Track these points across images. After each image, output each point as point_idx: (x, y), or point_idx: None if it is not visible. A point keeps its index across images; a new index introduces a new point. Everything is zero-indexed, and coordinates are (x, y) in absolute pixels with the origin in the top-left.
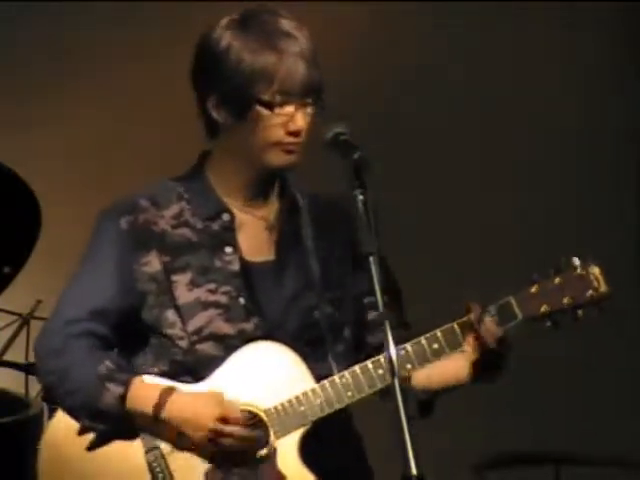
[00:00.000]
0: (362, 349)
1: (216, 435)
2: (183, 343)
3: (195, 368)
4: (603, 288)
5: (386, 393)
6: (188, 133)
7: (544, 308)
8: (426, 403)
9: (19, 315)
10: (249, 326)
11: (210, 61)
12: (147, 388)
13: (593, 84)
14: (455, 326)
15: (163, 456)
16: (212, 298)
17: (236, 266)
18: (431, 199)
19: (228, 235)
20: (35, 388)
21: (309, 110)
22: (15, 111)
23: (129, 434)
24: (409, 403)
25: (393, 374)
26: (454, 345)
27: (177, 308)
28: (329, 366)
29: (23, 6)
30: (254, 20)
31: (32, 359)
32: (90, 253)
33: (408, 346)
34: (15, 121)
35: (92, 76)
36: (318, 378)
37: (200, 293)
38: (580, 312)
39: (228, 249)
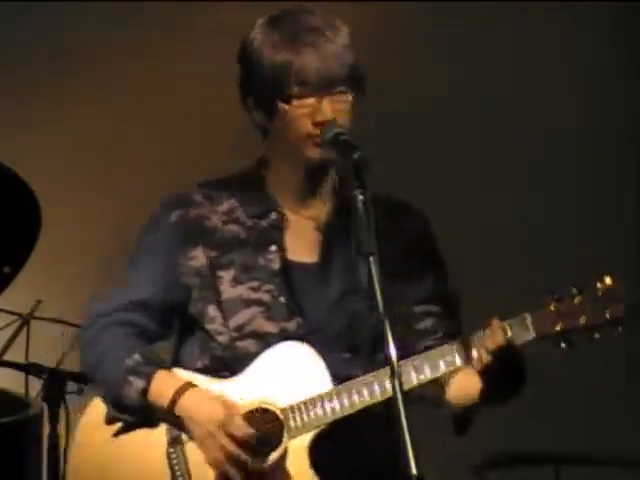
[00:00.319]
0: (408, 357)
1: (212, 439)
2: (222, 339)
3: (234, 364)
4: (621, 310)
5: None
6: (188, 133)
7: (559, 327)
8: (462, 419)
9: (19, 315)
10: (291, 325)
11: (243, 63)
12: (166, 384)
13: (593, 84)
14: (469, 339)
15: (183, 448)
16: (254, 296)
17: (277, 265)
18: (430, 199)
19: (274, 234)
20: (35, 388)
21: (339, 100)
22: (15, 111)
23: (152, 424)
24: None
25: (393, 374)
26: (465, 359)
27: (219, 304)
28: (363, 371)
29: (23, 6)
30: (284, 18)
31: (32, 359)
32: (140, 245)
33: (422, 356)
34: (15, 121)
35: (92, 76)
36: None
37: (243, 290)
38: (597, 334)
39: (272, 247)
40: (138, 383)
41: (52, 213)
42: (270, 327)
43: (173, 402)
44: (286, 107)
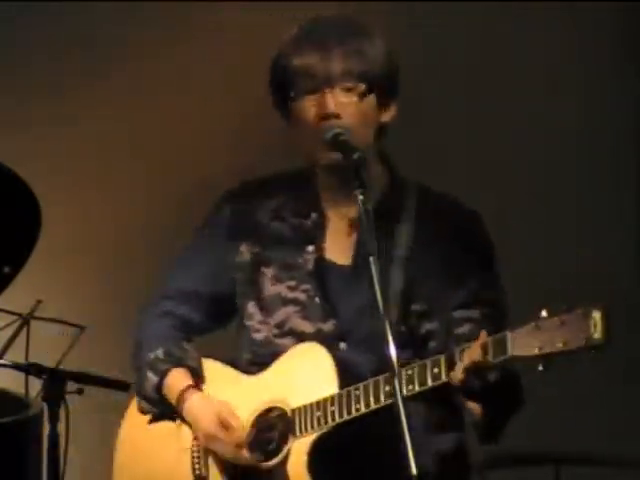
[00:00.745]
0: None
1: (212, 440)
2: (258, 336)
3: (270, 361)
4: (598, 335)
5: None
6: (189, 133)
7: (537, 350)
8: (486, 429)
9: (19, 315)
10: (327, 326)
11: (269, 74)
12: (176, 384)
13: (593, 84)
14: (456, 353)
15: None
16: (291, 295)
17: (311, 265)
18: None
19: (314, 233)
20: (35, 388)
21: (345, 95)
22: (15, 111)
23: (174, 416)
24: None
25: (393, 374)
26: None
27: (259, 300)
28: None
29: (23, 6)
30: (302, 27)
31: (32, 359)
32: (195, 234)
33: (414, 367)
34: (15, 121)
35: (92, 76)
36: None
37: (281, 288)
38: (572, 356)
39: (310, 247)
40: (152, 378)
41: (52, 213)
42: (306, 326)
43: (179, 404)
44: (295, 104)
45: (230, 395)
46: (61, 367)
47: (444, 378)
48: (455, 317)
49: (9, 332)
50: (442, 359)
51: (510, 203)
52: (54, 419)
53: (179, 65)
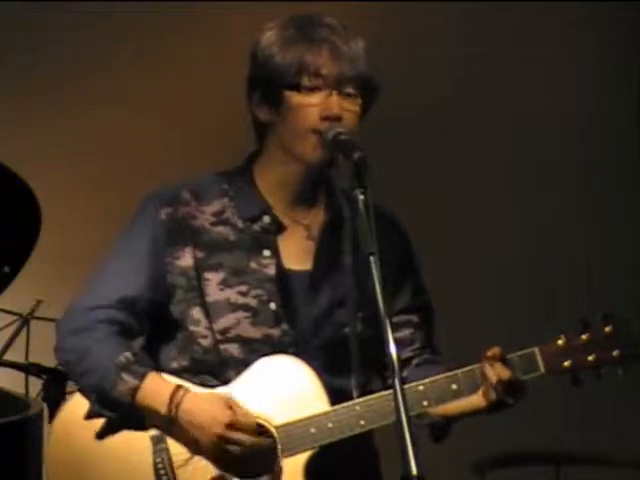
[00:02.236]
0: (387, 366)
1: (224, 441)
2: (205, 342)
3: (215, 368)
4: (630, 349)
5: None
6: (189, 133)
7: (567, 364)
8: (441, 428)
9: (19, 315)
10: (276, 332)
11: (254, 58)
12: (160, 386)
13: (593, 84)
14: (476, 370)
15: (167, 447)
16: (242, 300)
17: (272, 270)
18: (430, 198)
19: (267, 238)
20: (35, 388)
21: (348, 101)
22: (15, 111)
23: (136, 425)
24: (422, 427)
25: (393, 374)
26: (472, 389)
27: (204, 306)
28: (350, 383)
29: (23, 6)
30: (300, 19)
31: (32, 359)
32: (125, 239)
33: (427, 382)
34: (15, 121)
35: (92, 76)
36: (339, 392)
37: (230, 294)
38: (603, 371)
39: (266, 252)
40: (130, 381)
41: (52, 213)
42: (254, 332)
43: (170, 406)
44: (296, 96)
45: None
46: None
47: (466, 395)
48: (394, 322)
49: (9, 332)
50: (460, 375)
51: (510, 203)
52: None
53: (181, 64)
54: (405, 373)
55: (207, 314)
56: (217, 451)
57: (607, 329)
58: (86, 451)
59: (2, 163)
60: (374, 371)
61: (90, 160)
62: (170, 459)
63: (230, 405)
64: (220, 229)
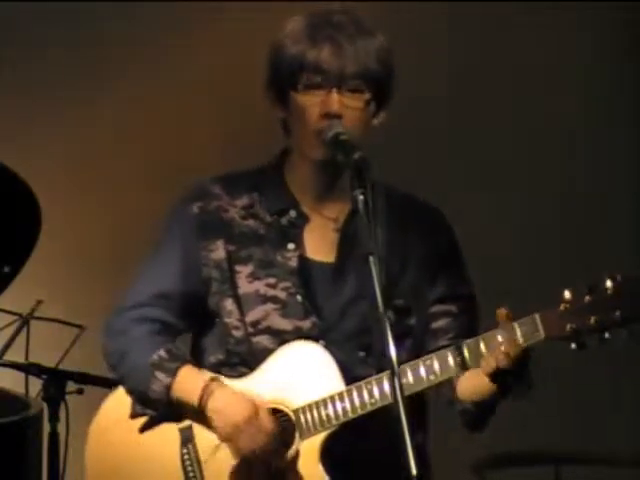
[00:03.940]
0: (422, 356)
1: (238, 432)
2: (238, 333)
3: (249, 359)
4: (633, 309)
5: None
6: (189, 133)
7: (569, 328)
8: (474, 417)
9: (19, 315)
10: (306, 324)
11: (269, 59)
12: (192, 379)
13: (593, 84)
14: (480, 340)
15: (195, 448)
16: (271, 292)
17: (294, 263)
18: (431, 198)
19: (293, 231)
20: (35, 388)
21: (351, 97)
22: (15, 111)
23: (177, 419)
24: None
25: (393, 373)
26: (477, 359)
27: (236, 298)
28: (376, 372)
29: (23, 6)
30: (313, 17)
31: (32, 359)
32: (161, 237)
33: (433, 355)
34: (15, 121)
35: (92, 76)
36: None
37: (259, 286)
38: (607, 334)
39: (290, 245)
40: (164, 378)
41: (52, 213)
42: (285, 324)
43: (202, 399)
44: (298, 95)
45: None
46: (61, 367)
47: (471, 365)
48: (432, 312)
49: (9, 332)
50: (465, 347)
51: (510, 203)
52: (54, 419)
53: (181, 67)
54: None
55: (239, 306)
56: (230, 442)
57: (609, 289)
58: (122, 448)
59: (2, 163)
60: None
61: (91, 160)
62: (196, 451)
63: (254, 403)
64: (250, 222)
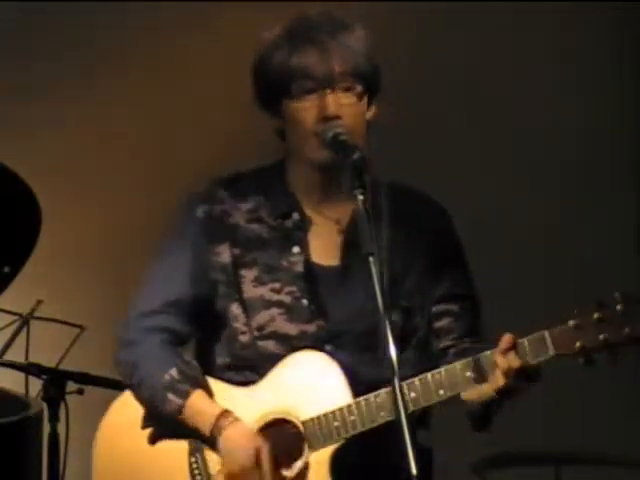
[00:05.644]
0: (429, 356)
1: (245, 475)
2: (244, 338)
3: (255, 363)
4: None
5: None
6: (190, 134)
7: (578, 344)
8: (481, 417)
9: (19, 315)
10: (311, 328)
11: (253, 69)
12: (205, 408)
13: (594, 84)
14: (490, 356)
15: (204, 457)
16: (276, 297)
17: (300, 267)
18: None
19: (297, 235)
20: (35, 388)
21: (345, 96)
22: (15, 111)
23: (182, 435)
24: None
25: (393, 373)
26: (484, 376)
27: (242, 302)
28: (386, 374)
29: (23, 6)
30: (293, 22)
31: (32, 359)
32: (166, 242)
33: (443, 370)
34: (15, 121)
35: (92, 77)
36: (376, 385)
37: (264, 291)
38: (617, 352)
39: (295, 249)
40: (175, 401)
41: (52, 213)
42: (290, 329)
43: (214, 431)
44: (290, 103)
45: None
46: (61, 367)
47: (481, 383)
48: (434, 311)
49: (9, 332)
50: (473, 362)
51: (510, 204)
52: (54, 419)
53: (180, 66)
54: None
55: (245, 310)
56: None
57: (619, 307)
58: (130, 455)
59: (2, 163)
60: (423, 359)
61: (91, 160)
62: (204, 459)
63: (259, 449)
64: (254, 226)
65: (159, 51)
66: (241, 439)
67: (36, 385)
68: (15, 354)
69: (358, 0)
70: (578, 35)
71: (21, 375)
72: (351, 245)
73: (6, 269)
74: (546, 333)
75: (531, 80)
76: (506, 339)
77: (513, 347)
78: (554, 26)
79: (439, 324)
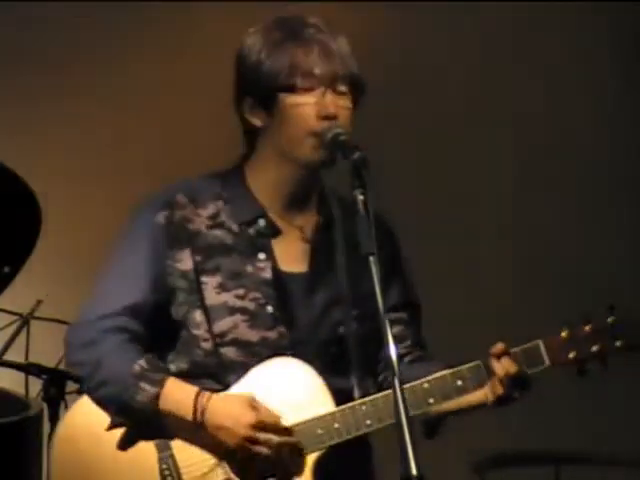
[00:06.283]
0: (379, 363)
1: (251, 442)
2: (206, 345)
3: (216, 371)
4: (632, 339)
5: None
6: (190, 134)
7: (572, 355)
8: (433, 425)
9: (19, 315)
10: (273, 335)
11: (242, 64)
12: (181, 391)
13: (594, 84)
14: (481, 365)
15: (172, 454)
16: (239, 304)
17: (268, 274)
18: (431, 198)
19: (263, 241)
20: (35, 388)
21: (341, 99)
22: (15, 111)
23: (157, 434)
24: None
25: (393, 373)
26: (477, 384)
27: (205, 309)
28: (350, 382)
29: (23, 6)
30: (283, 21)
31: (32, 359)
32: (125, 246)
33: (432, 379)
34: (16, 121)
35: (92, 76)
36: (338, 392)
37: (228, 297)
38: (607, 362)
39: (261, 255)
40: (150, 389)
41: (52, 213)
42: (251, 335)
43: (196, 411)
44: (290, 97)
45: None
46: (61, 367)
47: (471, 390)
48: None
49: (9, 332)
50: (465, 371)
51: (509, 204)
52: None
53: (181, 66)
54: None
55: (207, 317)
56: (244, 454)
57: (610, 319)
58: (92, 461)
59: (2, 163)
60: (368, 370)
61: (91, 160)
62: (176, 465)
63: (253, 406)
64: (216, 233)
65: (161, 51)
66: (227, 406)
67: (36, 385)
68: (15, 354)
69: (358, 0)
70: (578, 35)
71: (21, 375)
72: (318, 253)
73: (6, 269)
74: (540, 343)
75: (531, 81)
76: (498, 345)
77: (506, 353)
78: (555, 26)
79: (392, 332)
